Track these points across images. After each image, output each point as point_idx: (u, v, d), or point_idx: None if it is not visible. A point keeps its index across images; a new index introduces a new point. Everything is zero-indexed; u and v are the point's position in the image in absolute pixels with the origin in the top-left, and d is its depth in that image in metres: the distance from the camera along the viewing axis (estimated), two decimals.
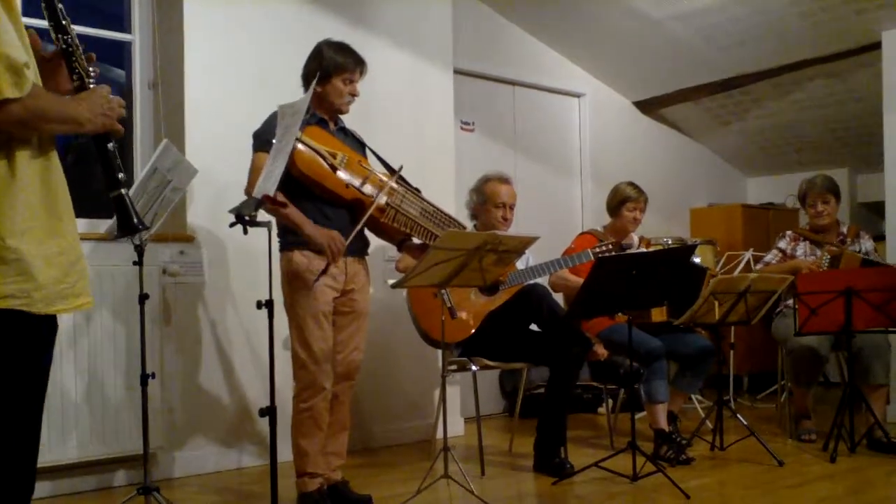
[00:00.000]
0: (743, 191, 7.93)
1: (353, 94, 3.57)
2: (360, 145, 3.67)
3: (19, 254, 1.72)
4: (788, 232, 5.21)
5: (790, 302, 4.78)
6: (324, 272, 3.34)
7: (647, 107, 7.00)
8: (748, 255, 6.11)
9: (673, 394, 4.68)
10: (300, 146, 3.25)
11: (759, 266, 5.23)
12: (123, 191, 1.96)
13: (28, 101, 1.69)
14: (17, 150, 1.74)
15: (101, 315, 3.89)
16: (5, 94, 1.65)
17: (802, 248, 5.07)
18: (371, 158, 3.64)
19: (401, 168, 3.54)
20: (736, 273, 5.67)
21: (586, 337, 4.27)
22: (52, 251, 1.79)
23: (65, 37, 1.91)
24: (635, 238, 4.90)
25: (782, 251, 5.10)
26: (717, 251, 6.06)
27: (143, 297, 3.54)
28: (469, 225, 4.54)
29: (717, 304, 4.28)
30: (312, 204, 3.40)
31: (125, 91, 4.46)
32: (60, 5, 1.91)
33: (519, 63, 6.22)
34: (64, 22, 1.91)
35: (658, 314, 4.61)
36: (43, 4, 1.91)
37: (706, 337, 4.85)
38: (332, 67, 3.48)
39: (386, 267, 4.68)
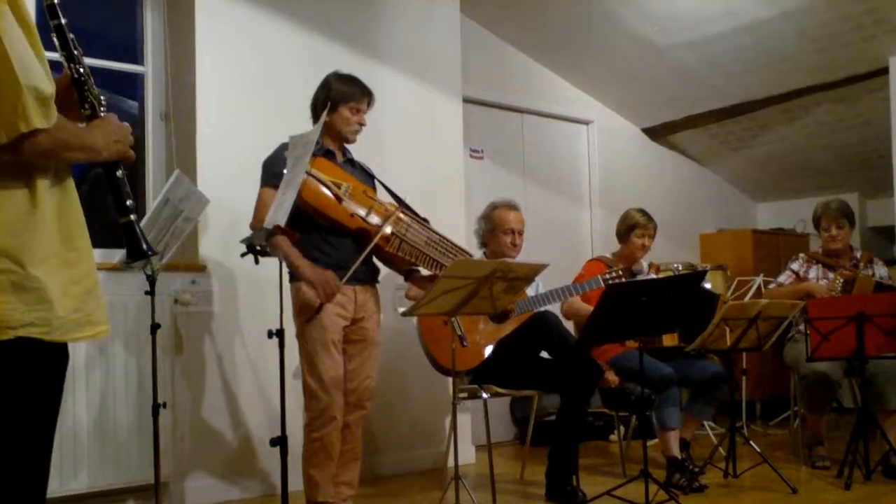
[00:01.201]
0: (753, 216, 7.92)
1: (361, 124, 3.61)
2: (368, 176, 3.70)
3: (40, 282, 1.74)
4: (801, 254, 5.21)
5: (802, 327, 4.76)
6: (317, 311, 3.36)
7: (656, 133, 7.02)
8: (759, 280, 6.09)
9: (685, 420, 4.65)
10: (306, 178, 3.28)
11: (771, 285, 5.21)
12: (133, 217, 1.98)
13: (53, 131, 1.72)
14: (38, 180, 1.77)
15: (112, 344, 3.91)
16: (34, 124, 1.67)
17: (815, 272, 5.06)
18: (380, 189, 3.67)
19: (406, 198, 3.56)
20: (747, 298, 5.65)
21: (597, 364, 4.26)
22: (68, 280, 1.81)
23: (77, 66, 1.93)
24: (645, 264, 4.91)
25: (795, 273, 5.09)
26: (728, 276, 6.05)
27: (154, 327, 3.56)
28: (478, 253, 4.56)
29: (728, 329, 4.27)
30: (318, 234, 3.43)
31: (137, 122, 4.51)
32: (72, 35, 1.94)
33: (527, 91, 6.26)
34: (76, 52, 1.94)
35: (669, 339, 4.60)
36: (54, 35, 1.93)
37: (718, 363, 4.83)
38: (338, 97, 3.53)
39: (396, 295, 4.69)
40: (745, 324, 4.28)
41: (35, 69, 1.70)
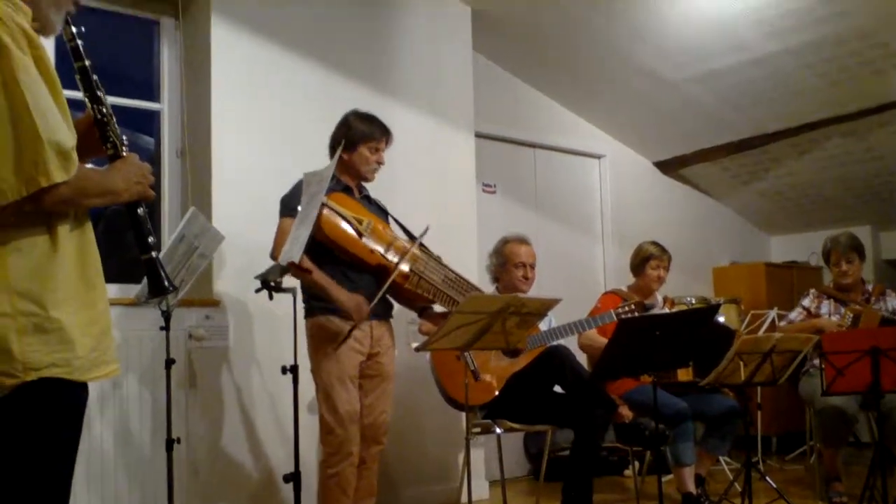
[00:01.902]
0: (766, 249, 7.91)
1: (380, 163, 3.66)
2: (383, 213, 3.74)
3: (60, 324, 1.77)
4: (812, 290, 5.19)
5: (816, 362, 4.73)
6: (347, 336, 3.37)
7: (668, 167, 7.05)
8: (772, 313, 6.07)
9: (700, 456, 4.62)
10: (327, 212, 3.31)
11: (782, 323, 5.19)
12: (154, 254, 2.00)
13: (73, 181, 1.75)
14: (58, 225, 1.80)
15: (127, 380, 3.93)
16: (53, 179, 1.70)
17: (827, 307, 5.04)
18: (394, 226, 3.70)
19: (424, 232, 3.58)
20: (761, 332, 5.63)
21: (611, 398, 4.25)
22: (87, 321, 1.84)
23: (100, 107, 1.97)
24: (659, 298, 4.91)
25: (806, 309, 5.08)
26: (742, 310, 6.03)
27: (169, 362, 3.58)
28: (490, 288, 4.57)
29: (742, 364, 4.24)
30: (337, 268, 3.45)
31: (154, 158, 4.57)
32: (95, 77, 1.98)
33: (539, 126, 6.30)
34: (99, 93, 1.97)
35: (684, 374, 4.58)
36: (78, 77, 1.97)
37: (733, 397, 4.80)
38: (358, 136, 3.58)
39: (409, 329, 4.70)
40: (760, 358, 4.25)
41: (56, 122, 1.73)
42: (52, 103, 1.74)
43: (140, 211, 1.98)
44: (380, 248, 3.47)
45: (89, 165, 1.98)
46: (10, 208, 1.70)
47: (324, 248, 3.37)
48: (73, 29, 1.97)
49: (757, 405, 5.86)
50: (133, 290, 3.97)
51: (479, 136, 5.53)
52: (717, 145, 6.59)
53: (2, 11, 1.72)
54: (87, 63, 1.96)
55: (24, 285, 1.74)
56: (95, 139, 1.97)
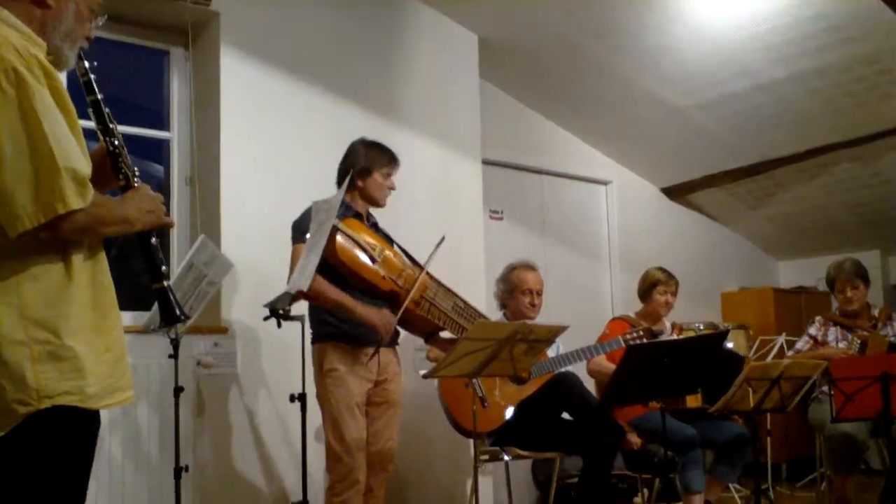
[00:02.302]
0: (774, 274, 7.90)
1: (391, 188, 3.70)
2: (388, 240, 3.76)
3: (74, 352, 1.79)
4: (818, 317, 5.17)
5: (825, 388, 4.71)
6: (376, 352, 3.38)
7: (674, 193, 7.06)
8: (781, 339, 6.05)
9: (710, 483, 4.59)
10: (341, 237, 3.33)
11: (790, 353, 5.18)
12: (166, 283, 2.03)
13: (90, 208, 1.78)
14: (73, 254, 1.83)
15: (137, 407, 3.93)
16: (70, 205, 1.73)
17: (833, 334, 5.02)
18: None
19: (440, 242, 3.55)
20: (770, 358, 5.61)
21: (619, 425, 4.24)
22: (100, 349, 1.86)
23: (112, 139, 2.00)
24: (667, 324, 4.91)
25: (813, 337, 5.06)
26: (750, 336, 6.01)
27: (178, 390, 3.59)
28: (498, 314, 4.57)
29: (751, 390, 4.23)
30: (348, 293, 3.46)
31: (163, 186, 4.61)
32: (108, 110, 2.01)
33: (546, 152, 6.33)
34: (111, 125, 2.01)
35: (693, 400, 4.57)
36: (90, 110, 2.00)
37: (742, 424, 4.78)
38: (371, 163, 3.62)
39: (416, 356, 4.70)
40: (768, 384, 4.24)
41: (73, 150, 1.76)
42: (69, 132, 1.78)
43: (153, 241, 2.00)
44: (392, 275, 3.49)
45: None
46: (27, 235, 1.72)
47: (336, 273, 3.38)
48: (86, 64, 2.01)
49: (766, 431, 5.83)
50: (144, 317, 4.00)
51: (486, 162, 5.55)
52: (725, 171, 6.61)
53: (19, 44, 1.77)
54: (99, 97, 2.00)
55: (39, 313, 1.76)
56: (108, 170, 2.00)
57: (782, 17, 4.75)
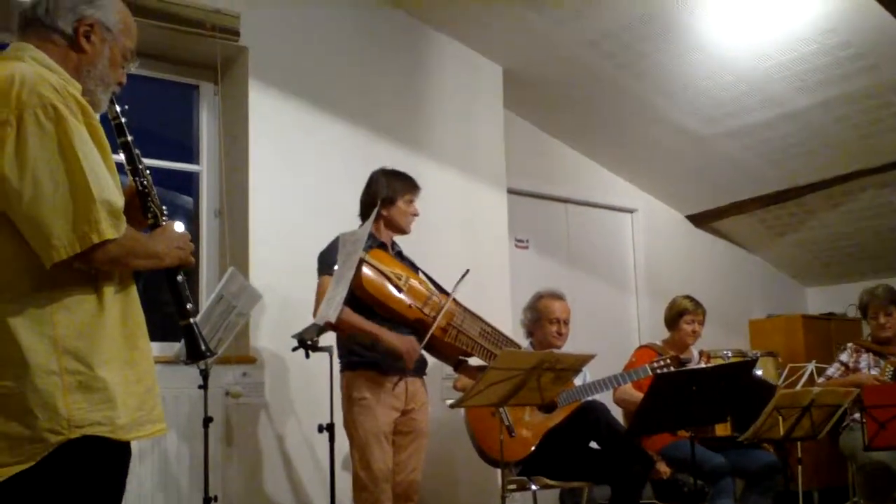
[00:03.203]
0: (802, 301, 7.82)
1: (415, 214, 3.74)
2: (414, 269, 3.79)
3: (105, 383, 1.82)
4: (850, 344, 5.13)
5: (857, 415, 4.66)
6: (401, 378, 3.39)
7: (701, 220, 7.04)
8: (811, 367, 5.98)
9: None
10: (367, 268, 3.36)
11: (821, 380, 5.13)
12: (192, 320, 2.06)
13: (122, 240, 1.82)
14: (105, 286, 1.87)
15: (166, 438, 3.97)
16: (105, 235, 1.78)
17: (865, 360, 4.97)
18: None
19: (465, 275, 3.58)
20: (800, 386, 5.56)
21: (647, 454, 4.21)
22: (131, 380, 1.89)
23: (141, 179, 2.05)
24: (695, 352, 4.88)
25: (844, 364, 5.01)
26: (779, 363, 5.95)
27: (207, 420, 3.62)
28: (525, 343, 4.58)
29: (780, 418, 4.20)
30: (375, 323, 3.48)
31: (192, 218, 4.68)
32: (137, 150, 2.07)
33: (571, 181, 6.35)
34: (140, 166, 2.06)
35: (722, 429, 4.53)
36: (121, 150, 2.06)
37: (772, 452, 4.73)
38: (394, 191, 3.66)
39: (443, 385, 4.71)
40: (799, 412, 4.21)
41: (107, 184, 1.81)
42: (103, 166, 1.83)
43: (179, 278, 2.04)
44: (418, 304, 3.52)
45: None
46: (61, 266, 1.76)
47: (362, 303, 3.41)
48: (118, 108, 2.07)
49: (797, 460, 5.75)
50: (173, 347, 4.04)
51: (511, 192, 5.58)
52: (751, 198, 6.58)
53: (57, 84, 1.83)
54: (130, 139, 2.05)
55: (71, 344, 1.79)
56: (136, 209, 2.05)
57: (808, 45, 4.76)
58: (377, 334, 3.41)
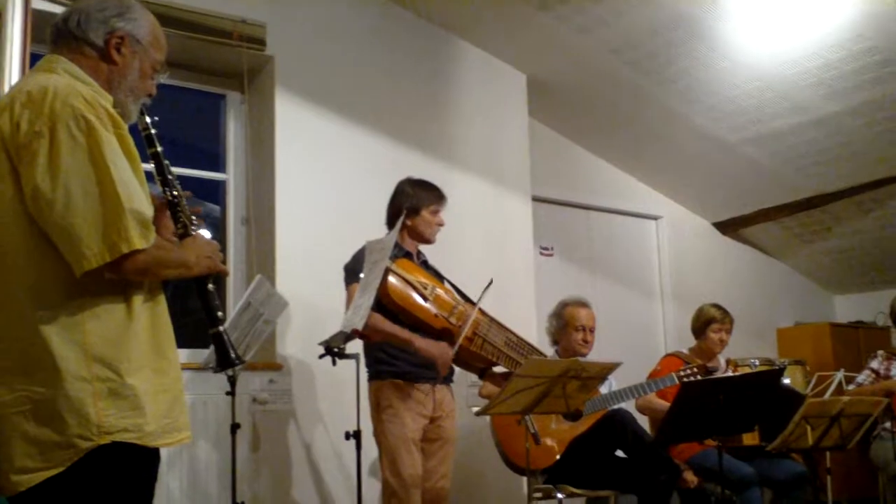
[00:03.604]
0: (830, 309, 7.75)
1: (440, 224, 3.74)
2: (440, 278, 3.79)
3: (134, 390, 1.83)
4: (881, 351, 5.08)
5: (888, 425, 4.61)
6: (437, 381, 3.39)
7: (727, 227, 7.00)
8: (840, 375, 5.93)
9: None
10: (393, 277, 3.38)
11: (851, 387, 5.08)
12: (222, 328, 2.07)
13: (152, 250, 1.84)
14: (134, 295, 1.89)
15: (194, 443, 3.99)
16: (134, 245, 1.80)
17: None
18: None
19: (489, 286, 3.58)
20: (828, 395, 5.50)
21: (674, 463, 4.18)
22: (159, 388, 1.91)
23: (172, 191, 2.07)
24: (722, 361, 4.84)
25: (875, 371, 4.96)
26: (808, 372, 5.90)
27: (234, 427, 3.64)
28: (550, 351, 4.57)
29: (809, 428, 4.16)
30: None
31: (219, 226, 4.72)
32: (167, 161, 2.09)
33: (595, 188, 6.34)
34: (170, 177, 2.08)
35: (750, 438, 4.49)
36: (152, 162, 2.08)
37: (801, 462, 4.68)
38: (419, 201, 3.67)
39: (469, 393, 4.71)
40: (827, 422, 4.17)
41: (137, 194, 1.84)
42: (133, 177, 1.86)
43: (209, 286, 2.06)
44: (444, 313, 3.52)
45: None
46: (92, 275, 1.79)
47: (388, 312, 3.42)
48: (148, 119, 2.10)
49: (826, 470, 5.69)
50: (201, 353, 4.07)
51: (535, 199, 5.58)
52: (778, 205, 6.54)
53: (89, 95, 1.86)
54: (159, 149, 2.08)
55: (102, 351, 1.81)
56: (167, 218, 2.07)
57: (836, 52, 4.72)
58: (410, 340, 3.41)
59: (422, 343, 3.42)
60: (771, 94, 5.19)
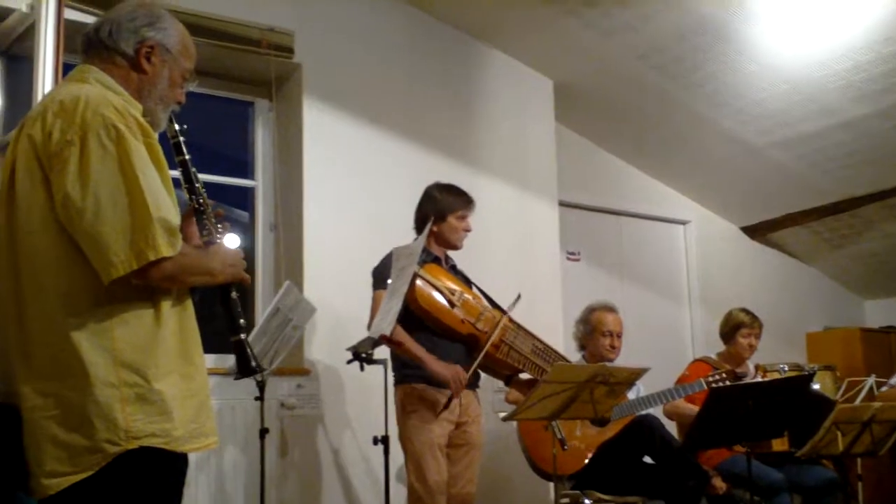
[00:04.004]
0: (860, 314, 7.67)
1: (467, 230, 3.75)
2: (468, 283, 3.80)
3: (162, 396, 1.85)
4: None
5: None
6: (446, 407, 3.41)
7: (755, 232, 6.95)
8: (871, 380, 5.86)
9: None
10: (420, 282, 3.39)
11: (884, 388, 5.02)
12: (243, 336, 2.09)
13: (178, 257, 1.86)
14: (162, 301, 1.91)
15: (222, 448, 4.03)
16: (161, 253, 1.81)
17: None
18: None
19: (516, 301, 3.59)
20: (858, 400, 5.44)
21: (703, 469, 4.15)
22: (186, 394, 1.92)
23: (198, 198, 2.10)
24: (751, 366, 4.81)
25: None
26: (837, 377, 5.84)
27: (263, 432, 3.66)
28: (577, 356, 4.56)
29: (840, 434, 4.12)
30: (427, 338, 3.51)
31: (248, 232, 4.75)
32: (194, 169, 2.11)
33: (622, 193, 6.32)
34: (197, 184, 2.10)
35: (779, 443, 4.45)
36: (180, 170, 2.10)
37: (831, 468, 4.64)
38: (445, 207, 3.68)
39: (495, 398, 4.71)
40: (859, 428, 4.12)
41: (165, 202, 1.86)
42: (161, 185, 1.88)
43: (233, 294, 2.07)
44: (470, 319, 3.53)
45: None
46: (119, 282, 1.81)
47: (416, 317, 3.44)
48: (177, 126, 2.12)
49: (857, 476, 5.63)
50: (229, 359, 4.11)
51: (562, 204, 5.58)
52: (807, 209, 6.48)
53: (119, 105, 1.89)
54: (187, 157, 2.10)
55: (130, 357, 1.83)
56: (191, 228, 2.09)
57: (865, 54, 4.69)
58: (422, 359, 3.42)
59: (435, 365, 3.42)
60: (799, 96, 5.16)
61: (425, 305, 3.42)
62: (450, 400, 3.41)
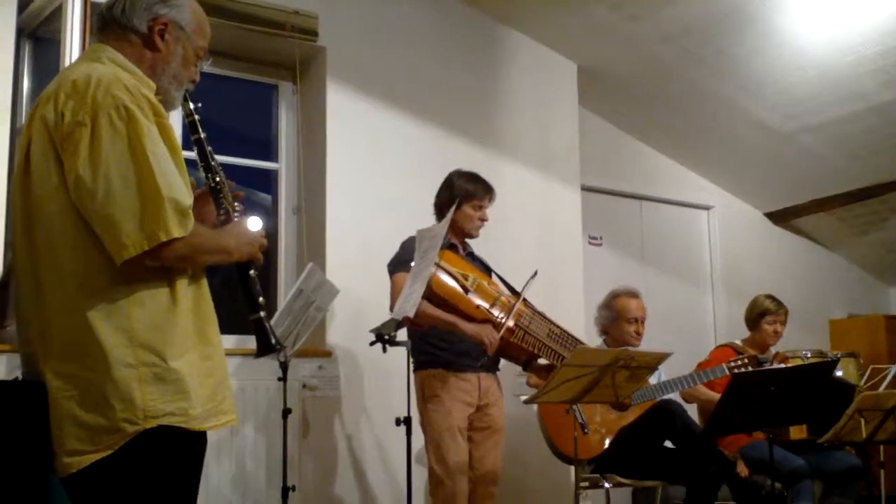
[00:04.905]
0: (885, 301, 7.60)
1: (483, 220, 3.75)
2: (486, 269, 3.81)
3: (179, 374, 1.86)
4: None
5: None
6: (481, 369, 3.42)
7: (779, 218, 6.90)
8: (894, 368, 5.82)
9: None
10: (433, 268, 3.40)
11: None
12: (262, 314, 2.08)
13: (189, 238, 1.85)
14: (177, 281, 1.91)
15: (244, 428, 4.07)
16: (172, 234, 1.81)
17: None
18: (497, 282, 3.75)
19: (533, 277, 3.58)
20: (883, 387, 5.41)
21: (724, 455, 4.15)
22: (203, 373, 1.93)
23: (214, 177, 2.10)
24: (771, 353, 4.78)
25: None
26: (861, 364, 5.80)
27: (286, 412, 3.69)
28: (598, 341, 4.56)
29: (863, 421, 4.09)
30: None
31: (271, 214, 4.78)
32: (210, 148, 2.11)
33: (644, 178, 6.29)
34: (213, 162, 2.10)
35: (797, 431, 4.43)
36: (195, 149, 2.10)
37: (854, 455, 4.61)
38: (462, 195, 3.68)
39: (516, 381, 4.72)
40: (882, 415, 4.10)
41: (176, 183, 1.85)
42: (173, 166, 1.87)
43: (251, 272, 2.06)
44: (485, 304, 3.53)
45: None
46: (132, 263, 1.81)
47: (431, 303, 3.44)
48: (191, 105, 2.12)
49: (879, 464, 5.60)
50: (252, 340, 4.13)
51: (584, 188, 5.56)
52: (832, 195, 6.42)
53: (130, 84, 1.88)
54: (203, 136, 2.10)
55: (146, 337, 1.84)
56: (208, 207, 2.10)
57: (895, 38, 4.62)
58: (455, 323, 3.43)
59: (467, 326, 3.43)
60: (827, 81, 5.10)
61: (440, 291, 3.43)
62: (475, 369, 3.42)
